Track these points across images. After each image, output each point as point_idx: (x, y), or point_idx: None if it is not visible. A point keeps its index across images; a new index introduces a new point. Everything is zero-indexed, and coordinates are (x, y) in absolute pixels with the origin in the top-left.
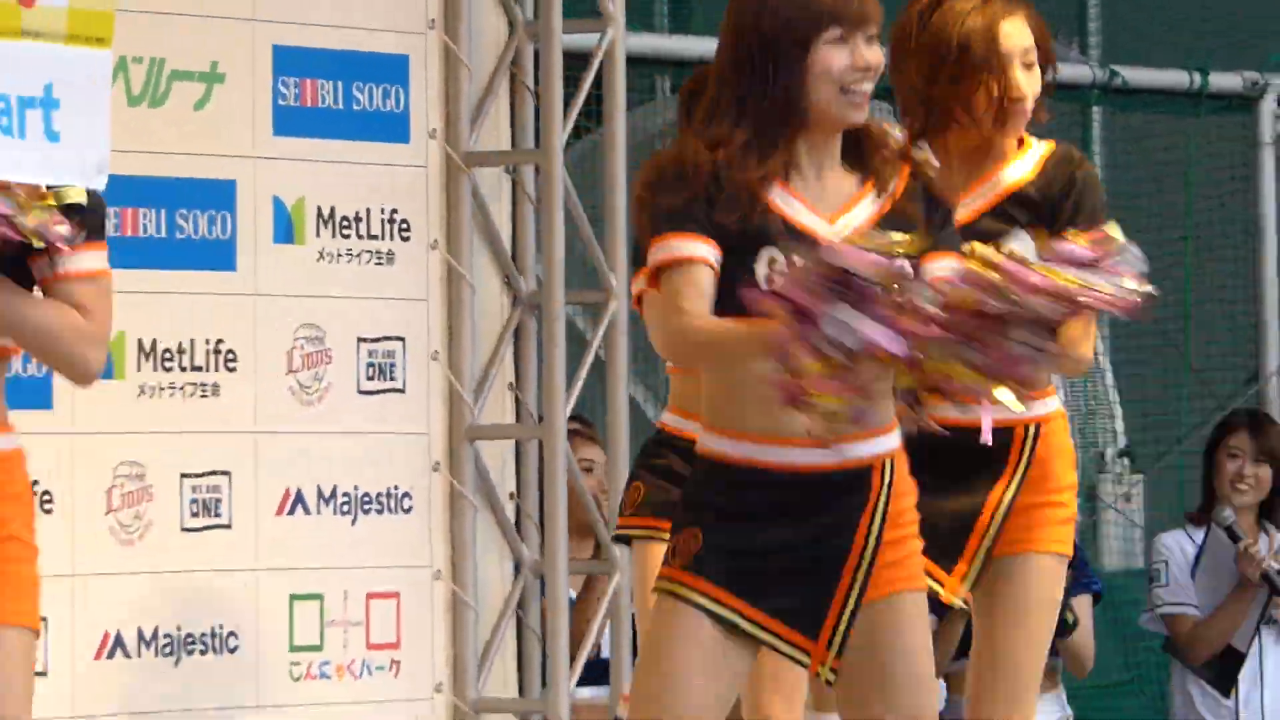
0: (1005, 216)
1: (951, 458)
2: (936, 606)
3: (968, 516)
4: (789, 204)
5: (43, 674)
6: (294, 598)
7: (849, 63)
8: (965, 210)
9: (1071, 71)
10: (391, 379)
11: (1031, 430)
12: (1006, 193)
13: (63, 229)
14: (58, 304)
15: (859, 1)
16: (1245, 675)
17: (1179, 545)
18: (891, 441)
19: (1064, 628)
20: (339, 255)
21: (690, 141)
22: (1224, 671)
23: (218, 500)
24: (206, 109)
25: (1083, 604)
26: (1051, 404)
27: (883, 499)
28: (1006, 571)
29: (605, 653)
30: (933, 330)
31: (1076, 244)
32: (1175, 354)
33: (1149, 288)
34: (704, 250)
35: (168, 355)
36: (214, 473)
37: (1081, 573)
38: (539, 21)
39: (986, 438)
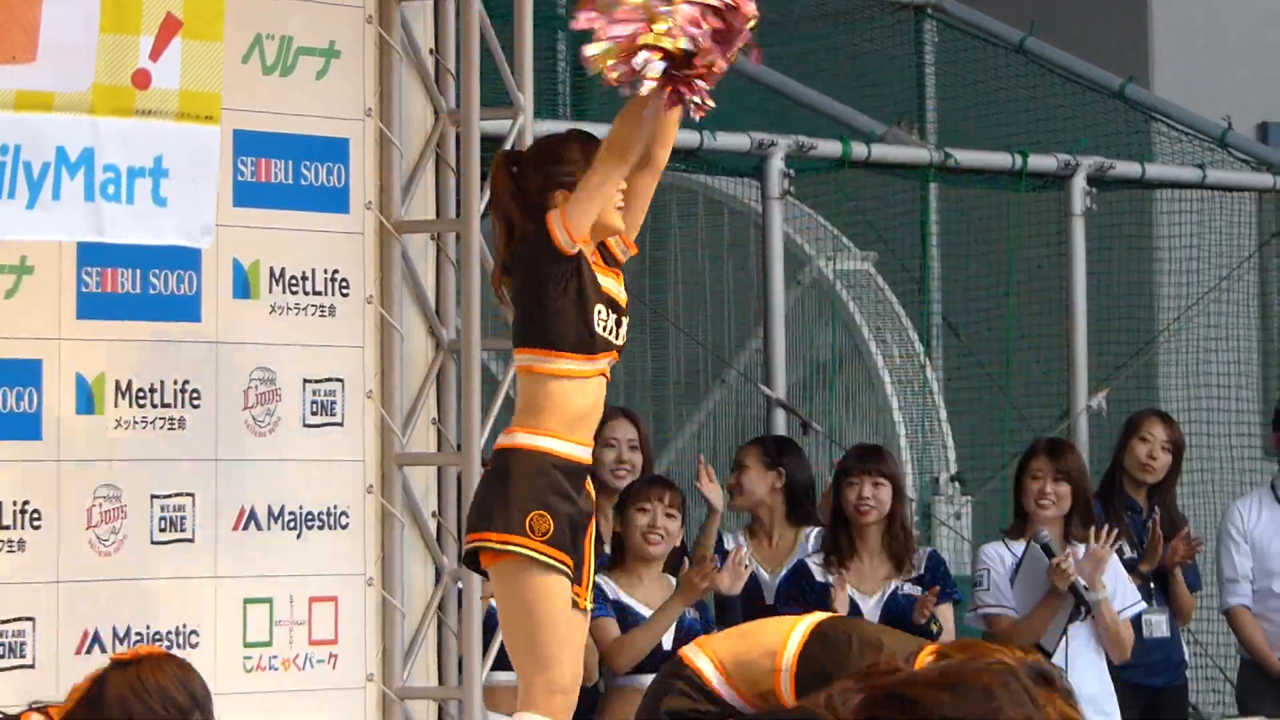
0: None
1: None
2: None
3: None
4: None
5: (30, 666)
6: (247, 601)
7: None
8: None
9: (911, 153)
10: (332, 414)
11: None
12: None
13: None
14: None
15: None
16: None
17: (999, 555)
18: None
19: (930, 636)
20: (288, 309)
21: None
22: None
23: (183, 517)
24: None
25: (946, 611)
26: None
27: None
28: None
29: None
30: None
31: None
32: (998, 393)
33: None
34: None
35: (141, 394)
36: (180, 494)
37: (946, 585)
38: (460, 110)
39: None
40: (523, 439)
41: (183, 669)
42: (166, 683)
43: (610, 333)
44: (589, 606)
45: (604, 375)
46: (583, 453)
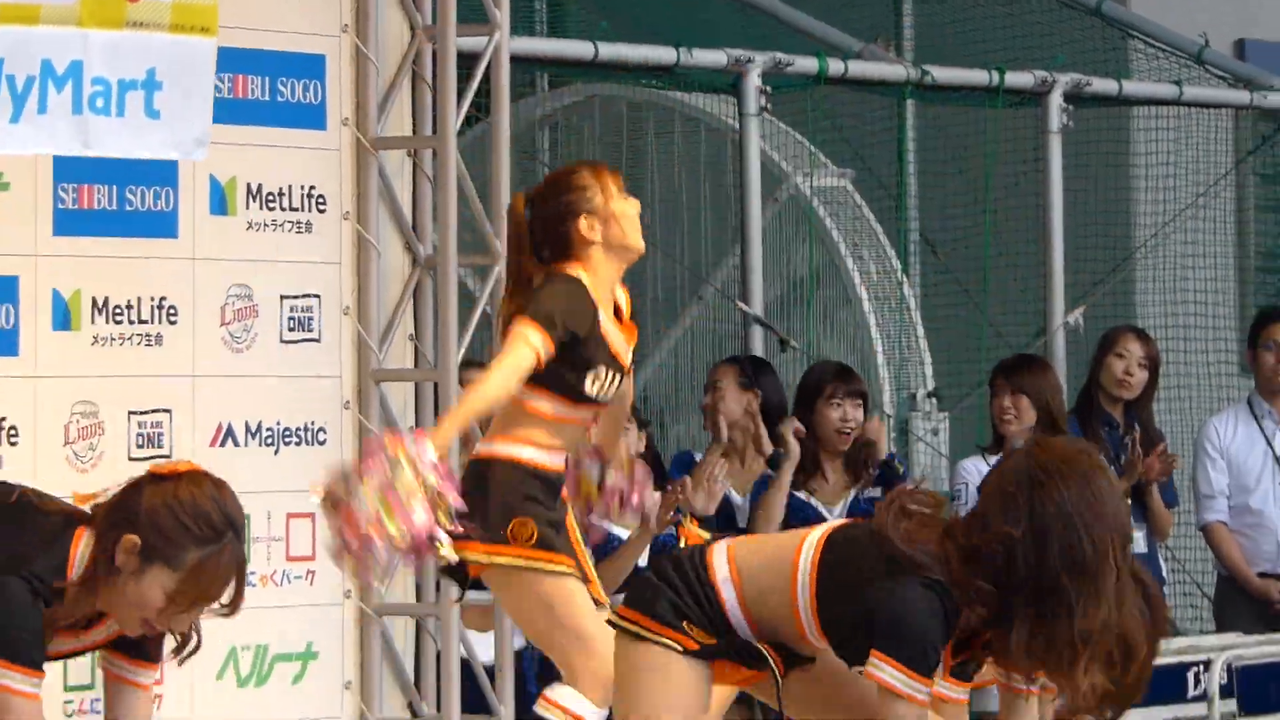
0: None
1: None
2: None
3: None
4: None
5: None
6: None
7: None
8: None
9: (888, 70)
10: (309, 330)
11: None
12: None
13: None
14: None
15: None
16: None
17: (976, 469)
18: None
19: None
20: (265, 225)
21: None
22: None
23: (160, 433)
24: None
25: None
26: None
27: None
28: None
29: None
30: None
31: None
32: (976, 310)
33: None
34: None
35: (118, 310)
36: (157, 410)
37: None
38: (436, 26)
39: None
40: (499, 448)
41: (219, 488)
42: (201, 499)
43: (604, 392)
44: (606, 600)
45: (582, 423)
46: (559, 462)
